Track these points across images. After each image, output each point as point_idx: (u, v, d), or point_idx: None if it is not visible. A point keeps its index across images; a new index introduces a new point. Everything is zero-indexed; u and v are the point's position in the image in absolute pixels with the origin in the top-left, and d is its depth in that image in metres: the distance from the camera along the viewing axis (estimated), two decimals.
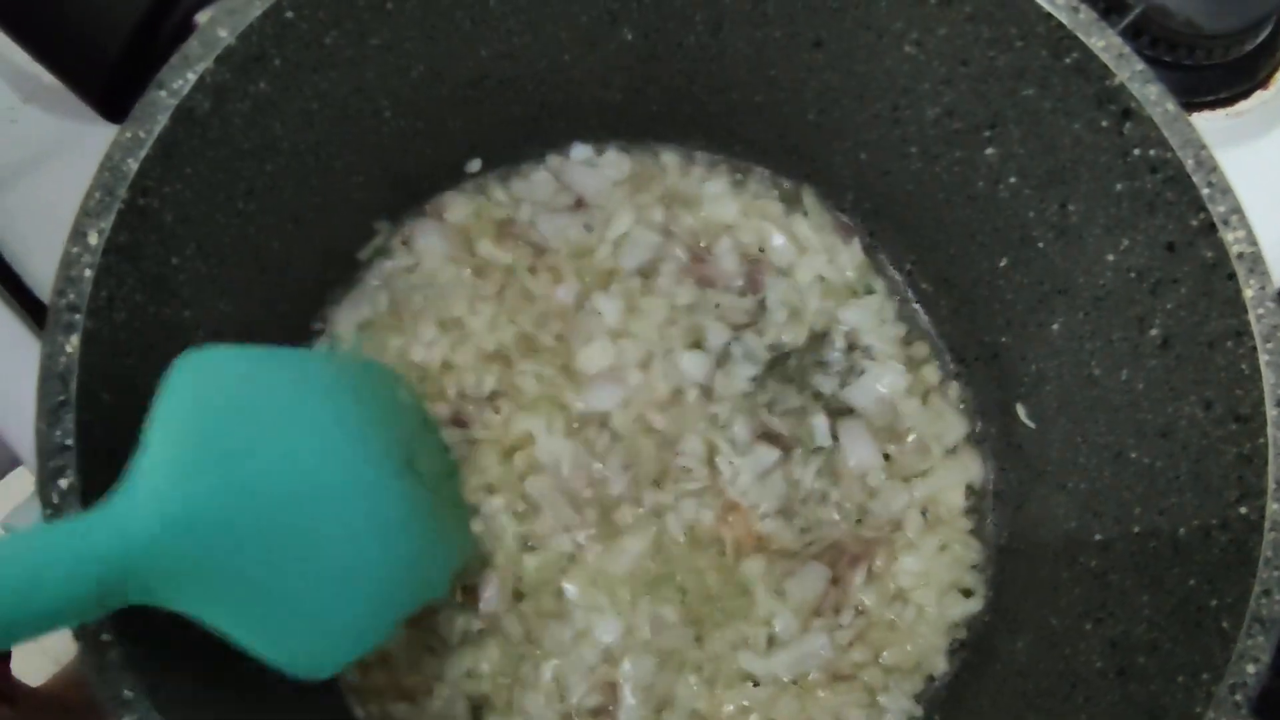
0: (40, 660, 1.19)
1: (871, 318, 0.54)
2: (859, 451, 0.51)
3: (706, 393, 0.51)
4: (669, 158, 0.56)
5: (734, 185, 0.56)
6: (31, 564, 0.28)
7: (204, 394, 0.34)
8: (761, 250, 0.55)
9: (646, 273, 0.53)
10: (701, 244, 0.54)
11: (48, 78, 0.62)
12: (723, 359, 0.52)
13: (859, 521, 0.50)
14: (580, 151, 0.55)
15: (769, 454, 0.50)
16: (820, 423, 0.52)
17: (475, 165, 0.54)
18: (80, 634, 0.32)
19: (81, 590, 0.29)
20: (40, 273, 0.57)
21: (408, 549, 0.40)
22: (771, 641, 0.48)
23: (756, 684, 0.48)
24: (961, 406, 0.53)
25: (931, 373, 0.53)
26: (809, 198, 0.56)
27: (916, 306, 0.55)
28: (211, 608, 0.32)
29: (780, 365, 0.53)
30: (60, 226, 0.56)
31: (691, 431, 0.50)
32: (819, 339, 0.53)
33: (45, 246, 0.57)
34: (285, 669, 0.35)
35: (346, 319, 0.52)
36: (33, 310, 0.56)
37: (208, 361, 0.36)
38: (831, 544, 0.50)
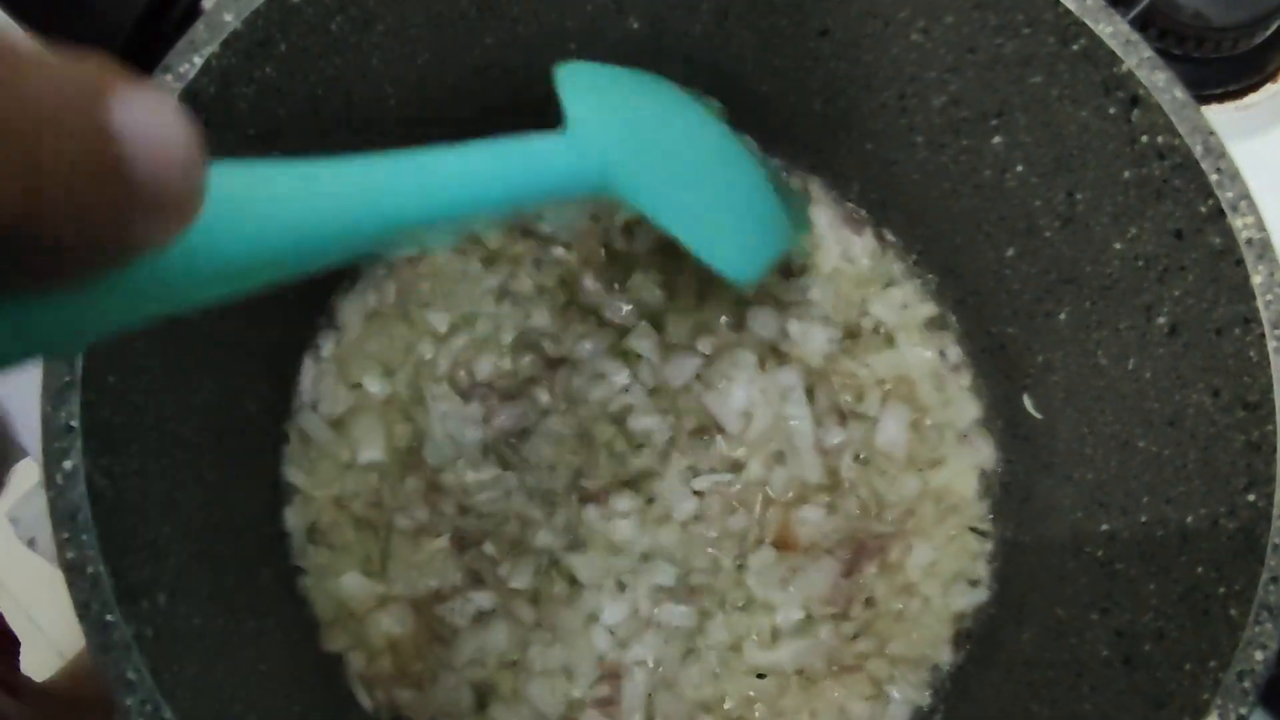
0: (47, 654, 1.19)
1: (896, 306, 0.54)
2: (890, 429, 0.51)
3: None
4: None
5: None
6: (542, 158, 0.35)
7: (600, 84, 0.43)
8: None
9: None
10: None
11: None
12: None
13: (876, 515, 0.50)
14: None
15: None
16: (874, 393, 0.52)
17: None
18: (85, 615, 0.32)
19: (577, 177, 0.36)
20: None
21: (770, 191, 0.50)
22: (776, 634, 0.48)
23: (762, 675, 0.48)
24: (972, 392, 0.53)
25: (951, 354, 0.53)
26: (816, 189, 0.56)
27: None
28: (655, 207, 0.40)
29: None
30: None
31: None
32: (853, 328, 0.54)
33: None
34: (724, 270, 0.43)
35: (353, 308, 0.52)
36: None
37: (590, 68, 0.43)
38: (848, 536, 0.49)
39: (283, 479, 0.48)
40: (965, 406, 0.52)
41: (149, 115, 0.17)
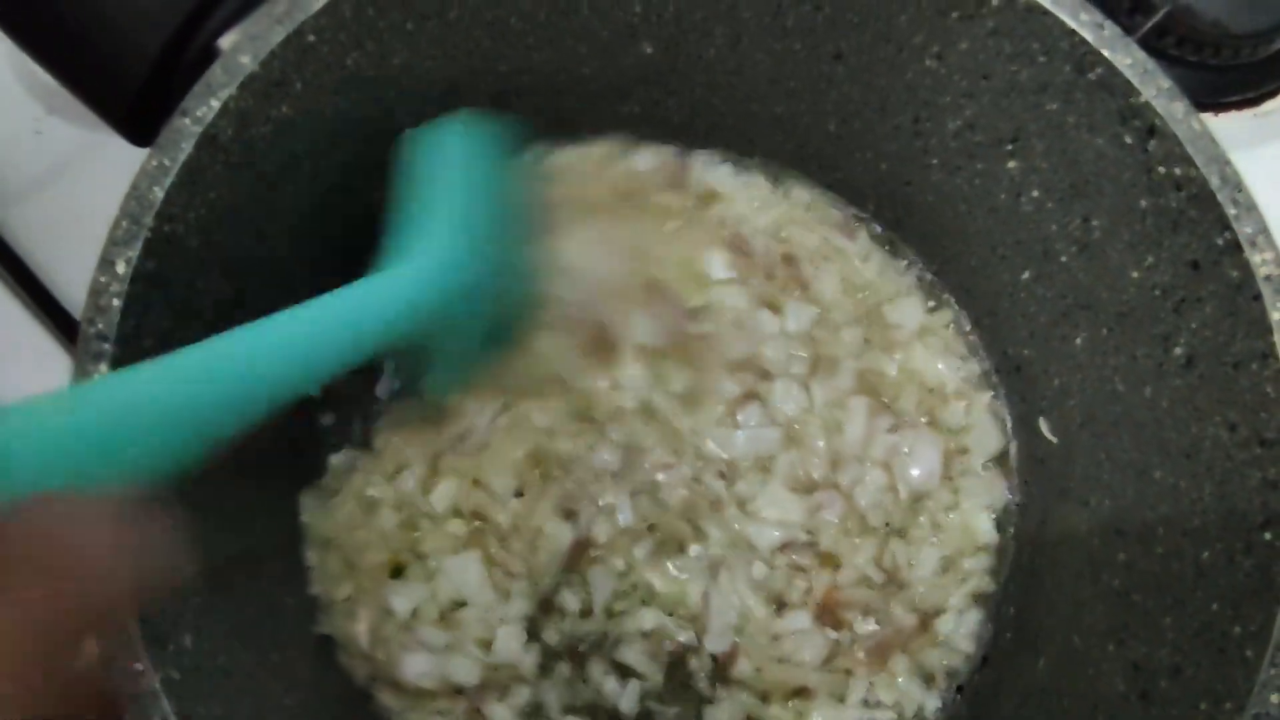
0: None
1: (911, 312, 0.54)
2: (925, 461, 0.51)
3: None
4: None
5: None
6: (368, 304, 0.35)
7: (454, 171, 0.41)
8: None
9: None
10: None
11: None
12: None
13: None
14: None
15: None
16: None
17: None
18: (113, 665, 0.32)
19: (395, 331, 0.36)
20: (64, 281, 0.58)
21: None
22: None
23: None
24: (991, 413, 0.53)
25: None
26: (801, 190, 0.56)
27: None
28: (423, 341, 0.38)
29: None
30: (84, 236, 0.57)
31: None
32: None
33: (69, 255, 0.59)
34: (427, 389, 0.42)
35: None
36: (55, 318, 0.57)
37: (451, 139, 0.42)
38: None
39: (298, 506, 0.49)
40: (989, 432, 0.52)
41: None
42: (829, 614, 0.48)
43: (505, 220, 0.42)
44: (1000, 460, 0.52)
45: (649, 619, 0.48)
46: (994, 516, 0.51)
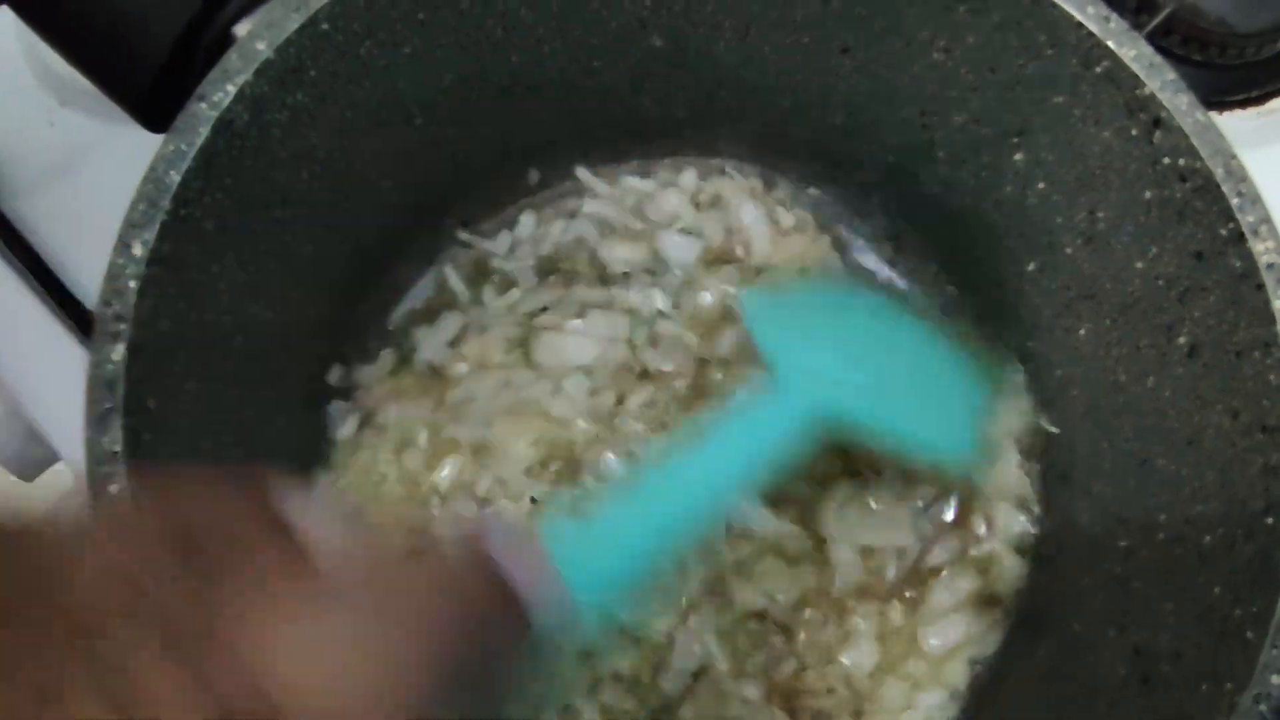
0: None
1: None
2: None
3: None
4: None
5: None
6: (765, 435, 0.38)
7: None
8: None
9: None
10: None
11: (85, 82, 0.63)
12: None
13: None
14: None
15: None
16: None
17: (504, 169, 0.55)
18: None
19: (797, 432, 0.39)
20: (76, 273, 0.58)
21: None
22: None
23: None
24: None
25: None
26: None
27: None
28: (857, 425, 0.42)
29: None
30: (96, 227, 0.58)
31: None
32: None
33: (81, 246, 0.59)
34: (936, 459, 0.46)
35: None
36: (68, 309, 0.57)
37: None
38: None
39: None
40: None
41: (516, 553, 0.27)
42: None
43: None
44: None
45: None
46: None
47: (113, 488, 0.34)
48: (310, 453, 0.50)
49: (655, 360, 0.52)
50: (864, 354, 0.45)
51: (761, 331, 0.43)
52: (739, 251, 0.55)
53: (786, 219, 0.56)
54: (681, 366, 0.52)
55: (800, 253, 0.55)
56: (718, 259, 0.55)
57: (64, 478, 0.65)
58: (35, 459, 0.66)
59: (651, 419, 0.51)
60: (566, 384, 0.51)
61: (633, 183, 0.57)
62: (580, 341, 0.53)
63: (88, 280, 0.58)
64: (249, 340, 0.43)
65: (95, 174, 0.61)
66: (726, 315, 0.53)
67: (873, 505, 0.50)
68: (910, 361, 0.47)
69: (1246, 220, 0.39)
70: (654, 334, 0.53)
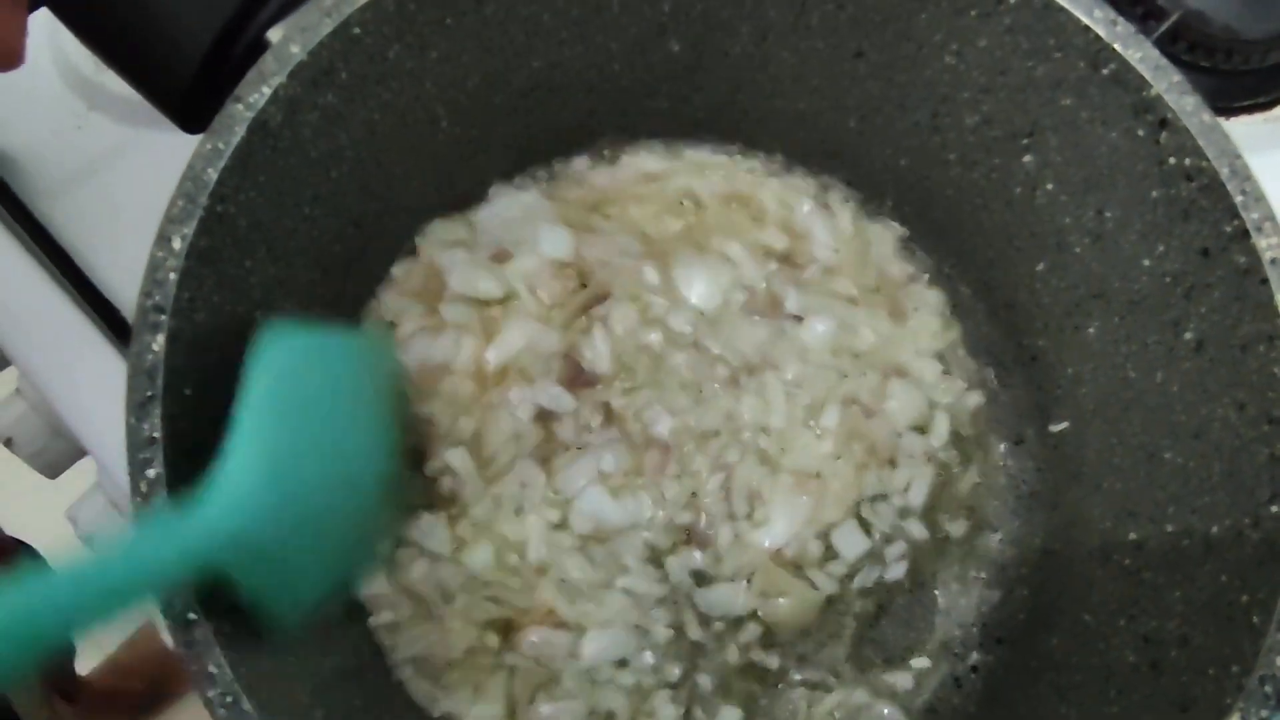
0: (88, 648, 1.23)
1: None
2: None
3: None
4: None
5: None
6: (140, 559, 0.33)
7: (280, 387, 0.38)
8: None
9: None
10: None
11: (113, 86, 0.65)
12: None
13: None
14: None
15: None
16: None
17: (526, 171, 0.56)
18: (169, 613, 0.34)
19: (174, 576, 0.34)
20: (104, 273, 0.60)
21: (379, 526, 0.47)
22: None
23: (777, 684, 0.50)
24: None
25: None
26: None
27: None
28: (247, 573, 0.36)
29: None
30: (124, 229, 0.60)
31: None
32: None
33: (110, 248, 0.61)
34: (268, 619, 0.38)
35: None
36: (96, 307, 0.58)
37: (283, 349, 0.39)
38: None
39: None
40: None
41: None
42: None
43: (334, 433, 0.41)
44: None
45: None
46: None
47: (151, 472, 0.36)
48: None
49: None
50: (310, 493, 0.39)
51: (255, 401, 0.37)
52: None
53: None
54: None
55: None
56: None
57: (87, 475, 0.66)
58: (60, 456, 0.67)
59: None
60: None
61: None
62: None
63: (115, 279, 0.59)
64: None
65: (123, 176, 0.62)
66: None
67: None
68: (338, 504, 0.41)
69: (1251, 218, 0.39)
70: None
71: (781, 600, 0.49)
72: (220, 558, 0.34)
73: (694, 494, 0.50)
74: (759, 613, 0.49)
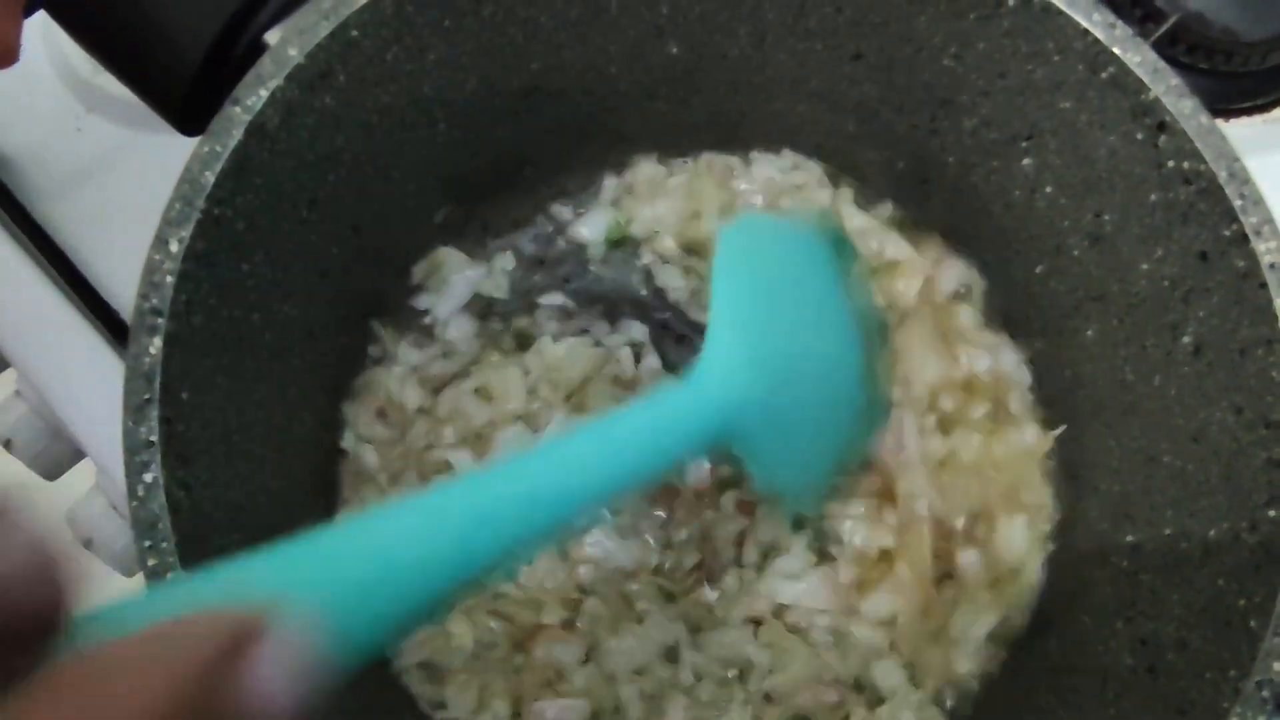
0: None
1: None
2: None
3: None
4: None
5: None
6: (664, 421, 0.34)
7: (748, 267, 0.39)
8: None
9: None
10: None
11: (111, 88, 0.65)
12: None
13: None
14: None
15: None
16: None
17: (524, 173, 0.56)
18: None
19: (693, 446, 0.35)
20: (103, 275, 0.59)
21: (862, 397, 0.44)
22: None
23: None
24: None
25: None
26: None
27: None
28: (751, 444, 0.37)
29: None
30: (122, 231, 0.60)
31: None
32: None
33: (107, 250, 0.61)
34: (781, 495, 0.42)
35: None
36: (96, 311, 0.58)
37: (749, 235, 0.41)
38: None
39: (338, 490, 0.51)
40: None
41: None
42: None
43: (823, 322, 0.42)
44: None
45: None
46: None
47: (148, 475, 0.36)
48: (335, 452, 0.52)
49: None
50: (793, 366, 0.39)
51: (726, 282, 0.38)
52: None
53: None
54: None
55: None
56: None
57: (85, 477, 0.66)
58: (58, 458, 0.67)
59: None
60: None
61: None
62: None
63: (114, 281, 0.59)
64: (276, 337, 0.44)
65: (121, 178, 0.62)
66: None
67: None
68: (823, 377, 0.41)
69: (1249, 221, 0.39)
70: None
71: None
72: (727, 428, 0.35)
73: None
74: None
